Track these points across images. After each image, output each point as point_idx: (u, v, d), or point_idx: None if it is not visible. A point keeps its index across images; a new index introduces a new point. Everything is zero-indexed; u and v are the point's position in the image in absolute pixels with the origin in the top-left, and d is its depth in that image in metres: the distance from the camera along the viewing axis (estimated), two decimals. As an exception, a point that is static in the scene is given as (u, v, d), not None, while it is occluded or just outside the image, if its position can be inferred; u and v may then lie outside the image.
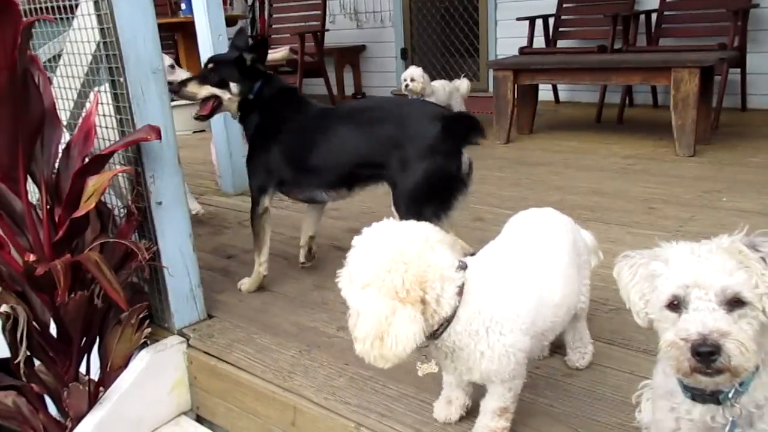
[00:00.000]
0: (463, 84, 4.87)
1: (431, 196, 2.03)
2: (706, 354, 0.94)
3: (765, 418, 1.03)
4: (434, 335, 1.33)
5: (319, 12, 6.61)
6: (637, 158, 3.89)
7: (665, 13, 5.19)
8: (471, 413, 1.52)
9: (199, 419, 2.05)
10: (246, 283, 2.37)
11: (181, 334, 2.06)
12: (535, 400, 1.58)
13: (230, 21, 6.53)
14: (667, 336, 1.00)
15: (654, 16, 5.23)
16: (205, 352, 1.98)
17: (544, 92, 5.63)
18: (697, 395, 1.06)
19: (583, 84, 5.66)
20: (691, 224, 2.62)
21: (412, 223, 1.33)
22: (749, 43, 4.92)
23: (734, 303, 0.97)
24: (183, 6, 7.06)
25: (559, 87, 5.94)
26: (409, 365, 1.77)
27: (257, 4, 8.20)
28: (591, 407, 1.54)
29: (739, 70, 4.92)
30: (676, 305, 1.00)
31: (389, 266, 1.23)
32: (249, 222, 2.42)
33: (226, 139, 3.62)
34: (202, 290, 2.15)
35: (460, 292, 1.30)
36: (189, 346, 2.03)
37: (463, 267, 1.33)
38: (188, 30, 5.00)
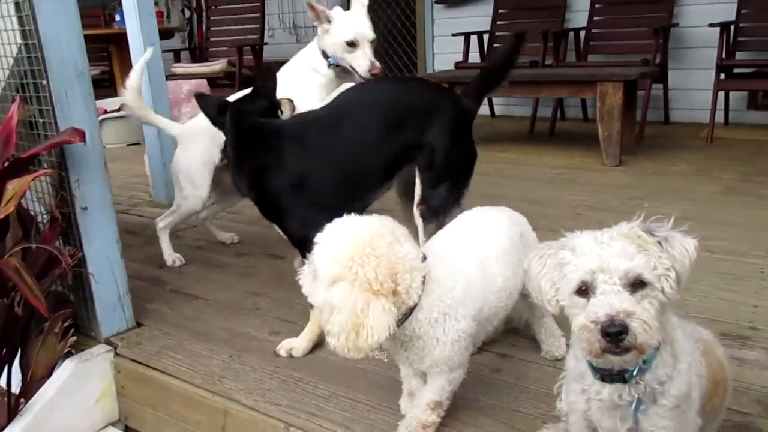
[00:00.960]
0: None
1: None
2: (614, 334, 0.99)
3: (666, 394, 1.09)
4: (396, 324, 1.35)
5: (257, 25, 6.60)
6: (567, 168, 4.03)
7: (593, 30, 5.42)
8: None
9: (128, 430, 2.00)
10: (297, 347, 1.89)
11: (108, 342, 2.01)
12: (462, 394, 1.61)
13: (167, 33, 6.48)
14: (578, 320, 1.04)
15: (582, 33, 5.45)
16: (133, 360, 1.94)
17: (481, 107, 5.76)
18: (606, 376, 1.11)
19: (516, 97, 5.83)
20: (615, 228, 2.73)
21: (375, 218, 1.34)
22: (670, 60, 5.18)
23: (636, 284, 1.02)
24: (117, 17, 6.96)
25: (495, 101, 6.08)
26: (341, 365, 1.79)
27: (195, 16, 8.14)
28: (515, 399, 1.59)
29: (661, 85, 5.17)
30: (584, 290, 1.05)
31: (361, 260, 1.24)
32: (182, 233, 2.37)
33: (160, 150, 3.57)
34: (131, 298, 2.11)
35: (423, 282, 1.33)
36: (116, 354, 1.99)
37: (424, 258, 1.37)
38: (122, 42, 4.91)
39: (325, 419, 1.57)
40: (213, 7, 7.26)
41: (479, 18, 5.97)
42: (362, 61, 2.42)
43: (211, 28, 7.16)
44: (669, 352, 1.10)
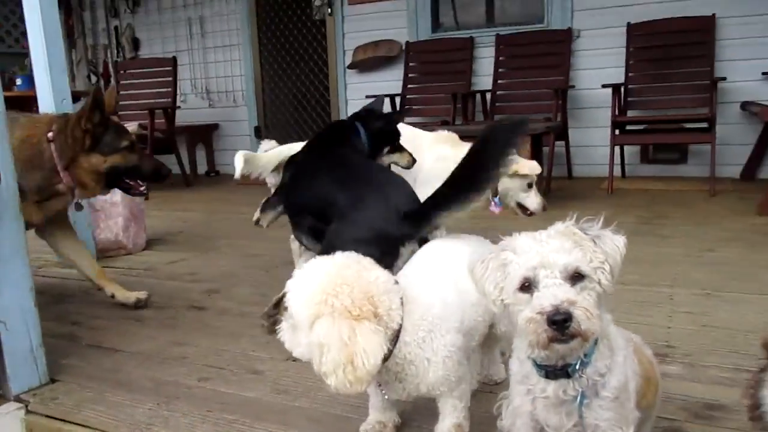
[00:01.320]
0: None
1: None
2: (560, 322, 1.03)
3: (607, 386, 1.13)
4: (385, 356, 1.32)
5: (169, 89, 6.56)
6: (482, 218, 4.17)
7: (497, 92, 5.76)
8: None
9: (40, 495, 1.83)
10: None
11: (18, 399, 1.86)
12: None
13: (72, 97, 6.32)
14: (525, 314, 1.07)
15: (488, 95, 5.77)
16: (48, 416, 1.79)
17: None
18: (550, 372, 1.14)
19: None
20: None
21: (338, 254, 1.34)
22: (570, 119, 5.57)
23: (575, 277, 1.07)
24: (18, 81, 6.74)
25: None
26: (275, 405, 1.74)
27: (101, 81, 8.00)
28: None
29: (564, 142, 5.52)
30: (527, 286, 1.09)
31: (334, 291, 1.23)
32: (95, 290, 2.24)
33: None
34: (45, 353, 1.97)
35: (401, 304, 1.32)
36: (28, 412, 1.83)
37: (396, 281, 1.37)
38: (23, 106, 4.75)
39: (264, 456, 1.51)
40: (122, 71, 7.19)
41: (390, 82, 6.22)
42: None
43: (121, 92, 7.04)
44: (606, 345, 1.15)
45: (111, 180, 2.49)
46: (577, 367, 1.11)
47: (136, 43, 7.77)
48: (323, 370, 1.21)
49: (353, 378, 1.19)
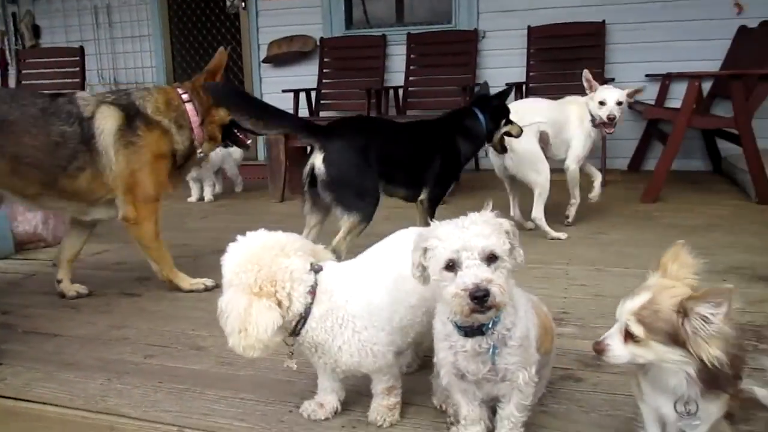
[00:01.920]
0: (236, 151, 5.09)
1: None
2: (480, 297, 1.25)
3: (513, 337, 1.38)
4: (295, 332, 1.50)
5: (77, 80, 6.42)
6: (405, 207, 4.42)
7: (409, 88, 6.04)
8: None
9: (-10, 473, 1.90)
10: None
11: (-36, 383, 1.91)
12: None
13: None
14: (450, 289, 1.29)
15: (401, 91, 6.04)
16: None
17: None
18: (468, 331, 1.37)
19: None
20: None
21: (273, 234, 1.52)
22: (476, 115, 5.92)
23: (491, 258, 1.30)
24: None
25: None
26: (222, 374, 1.90)
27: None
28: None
29: (470, 136, 5.86)
30: (451, 266, 1.31)
31: (244, 267, 1.43)
32: (25, 281, 2.31)
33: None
34: (-14, 337, 2.02)
35: (313, 292, 1.49)
36: (-24, 393, 1.89)
37: (317, 270, 1.53)
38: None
39: (218, 416, 1.67)
40: (23, 60, 6.93)
41: (305, 76, 6.37)
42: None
43: (23, 82, 6.79)
44: (512, 305, 1.40)
45: (226, 133, 2.80)
46: (490, 326, 1.35)
47: (36, 31, 7.48)
48: (225, 330, 1.43)
49: (245, 343, 1.41)
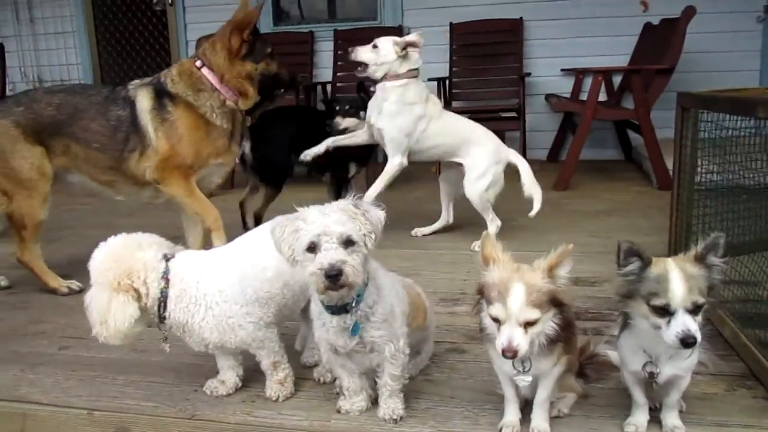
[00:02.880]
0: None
1: None
2: (333, 276, 1.41)
3: (376, 314, 1.55)
4: (161, 317, 1.63)
5: (-2, 77, 6.27)
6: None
7: (337, 84, 6.16)
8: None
9: None
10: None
11: None
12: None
13: None
14: (309, 269, 1.44)
15: (329, 86, 6.16)
16: None
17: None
18: (334, 310, 1.53)
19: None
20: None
21: (133, 234, 1.69)
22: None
23: (348, 243, 1.45)
24: None
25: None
26: (135, 361, 2.00)
27: None
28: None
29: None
30: (312, 248, 1.45)
31: (106, 265, 1.61)
32: None
33: None
34: None
35: (167, 278, 1.64)
36: None
37: (168, 258, 1.67)
38: None
39: (127, 398, 1.79)
40: (-60, 58, 6.71)
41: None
42: None
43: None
44: (374, 286, 1.56)
45: (262, 89, 2.86)
46: (354, 305, 1.51)
47: (-48, 27, 7.26)
48: (90, 321, 1.62)
49: (106, 334, 1.61)
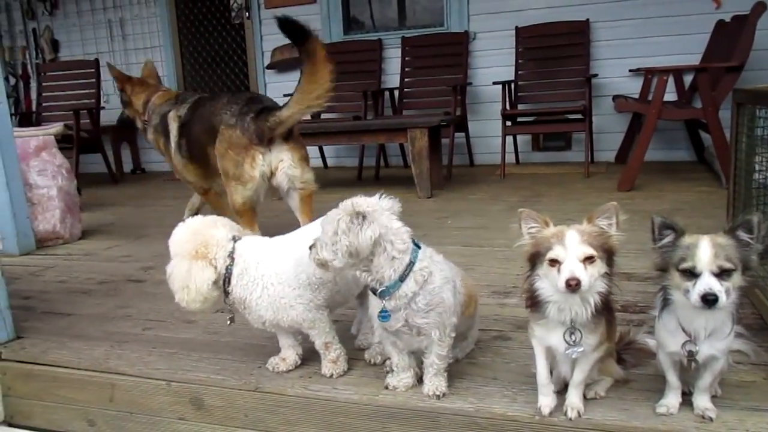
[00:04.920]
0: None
1: None
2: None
3: (417, 303, 1.67)
4: (226, 292, 1.83)
5: (93, 90, 6.81)
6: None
7: (405, 89, 6.34)
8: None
9: (12, 427, 2.24)
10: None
11: (-9, 352, 2.26)
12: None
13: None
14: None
15: (396, 92, 6.34)
16: (19, 361, 2.21)
17: (314, 159, 6.39)
18: (376, 294, 1.69)
19: (343, 146, 6.59)
20: (425, 238, 3.41)
21: (208, 216, 1.90)
22: (469, 113, 6.21)
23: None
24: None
25: (327, 154, 6.77)
26: (207, 341, 2.22)
27: (21, 83, 8.10)
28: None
29: (464, 134, 6.15)
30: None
31: (185, 239, 1.81)
32: (41, 272, 2.66)
33: (9, 201, 3.72)
34: (11, 313, 2.37)
35: (233, 257, 1.83)
36: (2, 360, 2.24)
37: (236, 240, 1.86)
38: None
39: (199, 372, 2.00)
40: (43, 73, 7.34)
41: (307, 81, 6.67)
42: None
43: (43, 94, 7.21)
44: (414, 280, 1.66)
45: None
46: (384, 294, 1.66)
47: (55, 45, 7.91)
48: (173, 289, 1.80)
49: (188, 297, 1.78)
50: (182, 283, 1.77)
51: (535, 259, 1.57)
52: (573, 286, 1.45)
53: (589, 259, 1.47)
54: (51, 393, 2.14)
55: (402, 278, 1.65)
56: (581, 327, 1.55)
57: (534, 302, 1.63)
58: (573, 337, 1.57)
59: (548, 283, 1.54)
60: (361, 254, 1.61)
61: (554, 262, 1.49)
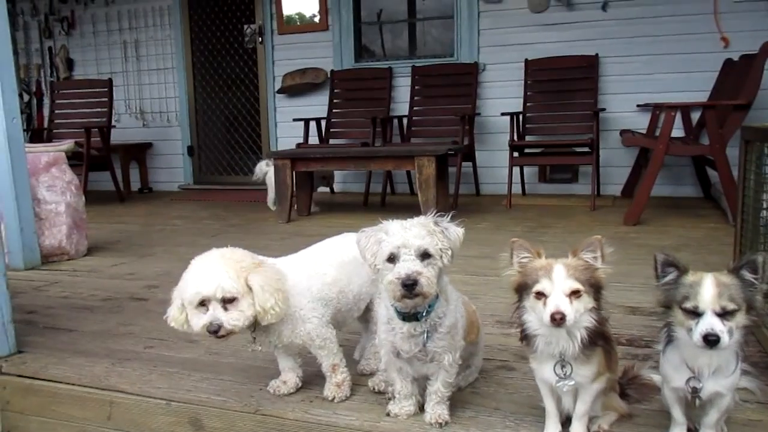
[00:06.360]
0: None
1: None
2: (409, 285, 1.56)
3: (443, 325, 1.67)
4: None
5: (105, 109, 6.88)
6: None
7: (413, 117, 6.39)
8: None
9: (9, 443, 2.22)
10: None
11: (-8, 365, 2.25)
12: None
13: None
14: (388, 277, 1.60)
15: (405, 119, 6.39)
16: (19, 376, 2.20)
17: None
18: (406, 316, 1.67)
19: (351, 172, 6.61)
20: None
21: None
22: (477, 142, 6.25)
23: (425, 256, 1.60)
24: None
25: (335, 180, 6.79)
26: (209, 361, 2.21)
27: (34, 100, 8.21)
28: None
29: (471, 163, 6.18)
30: (392, 259, 1.61)
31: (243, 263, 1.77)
32: (46, 287, 2.65)
33: (17, 216, 3.74)
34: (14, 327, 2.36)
35: None
36: (2, 373, 2.23)
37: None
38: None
39: (200, 392, 1.98)
40: (57, 91, 7.43)
41: (316, 106, 6.76)
42: None
43: (56, 111, 7.29)
44: (444, 298, 1.69)
45: None
46: (424, 314, 1.65)
47: (69, 64, 8.03)
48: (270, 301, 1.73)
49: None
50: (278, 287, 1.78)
51: (521, 289, 1.58)
52: (558, 320, 1.45)
53: (575, 294, 1.47)
54: (49, 409, 2.13)
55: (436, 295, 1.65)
56: (572, 360, 1.54)
57: (524, 335, 1.63)
58: (564, 370, 1.56)
59: (535, 317, 1.54)
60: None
61: (540, 295, 1.50)
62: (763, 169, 2.50)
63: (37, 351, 2.39)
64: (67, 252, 4.01)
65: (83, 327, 2.67)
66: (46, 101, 7.95)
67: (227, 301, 1.70)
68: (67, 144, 6.49)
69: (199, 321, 1.71)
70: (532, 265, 1.55)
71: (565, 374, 1.55)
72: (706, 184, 5.69)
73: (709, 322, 1.41)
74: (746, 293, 1.45)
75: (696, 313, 1.43)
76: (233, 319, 1.70)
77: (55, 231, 3.96)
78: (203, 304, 1.71)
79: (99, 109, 6.97)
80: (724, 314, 1.42)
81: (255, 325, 1.80)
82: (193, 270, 1.76)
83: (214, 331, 1.70)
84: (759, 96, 4.44)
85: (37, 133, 7.49)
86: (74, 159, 6.39)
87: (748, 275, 1.45)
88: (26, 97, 8.26)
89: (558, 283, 1.47)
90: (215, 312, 1.70)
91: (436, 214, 1.71)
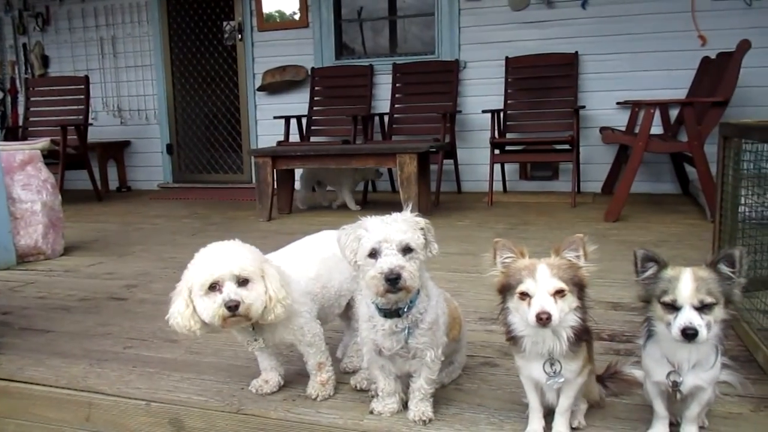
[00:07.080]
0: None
1: None
2: (393, 279, 1.54)
3: (424, 321, 1.66)
4: None
5: (82, 107, 6.78)
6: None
7: (394, 115, 6.37)
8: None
9: (-16, 447, 2.17)
10: None
11: (-35, 368, 2.20)
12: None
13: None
14: (370, 273, 1.58)
15: (386, 117, 6.38)
16: (-6, 378, 2.15)
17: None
18: (387, 313, 1.66)
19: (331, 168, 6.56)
20: (412, 263, 3.41)
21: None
22: (458, 140, 6.25)
23: (407, 250, 1.59)
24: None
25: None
26: (189, 361, 2.18)
27: (8, 98, 8.06)
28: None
29: (452, 161, 6.18)
30: (374, 254, 1.59)
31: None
32: (22, 288, 2.60)
33: (-7, 215, 3.68)
34: (-14, 330, 2.31)
35: None
36: (-25, 376, 2.18)
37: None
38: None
39: (180, 392, 1.95)
40: (32, 88, 7.31)
41: (297, 104, 6.72)
42: None
43: (31, 109, 7.17)
44: (425, 294, 1.68)
45: None
46: (406, 310, 1.64)
47: (45, 61, 7.90)
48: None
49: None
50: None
51: (505, 290, 1.57)
52: (543, 320, 1.44)
53: (559, 293, 1.47)
54: (26, 411, 2.08)
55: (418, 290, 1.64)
56: (560, 357, 1.55)
57: (510, 336, 1.62)
58: (553, 368, 1.56)
59: (519, 318, 1.54)
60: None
61: (525, 296, 1.49)
62: (741, 165, 2.54)
63: (13, 352, 2.34)
64: (44, 252, 3.93)
65: (60, 328, 2.62)
66: (21, 99, 7.82)
67: (241, 283, 1.67)
68: (43, 142, 6.38)
69: (212, 303, 1.65)
70: (516, 266, 1.54)
71: (555, 372, 1.55)
72: (684, 180, 5.76)
73: (688, 316, 1.42)
74: (724, 287, 1.46)
75: (674, 307, 1.44)
76: (251, 297, 1.67)
77: (31, 230, 3.89)
78: (214, 288, 1.66)
79: (75, 107, 6.87)
80: (702, 308, 1.43)
81: (253, 324, 1.79)
82: (202, 257, 1.73)
83: (234, 306, 1.64)
84: (736, 93, 4.49)
85: (11, 131, 7.35)
86: (50, 157, 6.29)
87: (725, 269, 1.46)
88: (0, 95, 8.12)
89: (542, 283, 1.47)
90: (231, 289, 1.66)
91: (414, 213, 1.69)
